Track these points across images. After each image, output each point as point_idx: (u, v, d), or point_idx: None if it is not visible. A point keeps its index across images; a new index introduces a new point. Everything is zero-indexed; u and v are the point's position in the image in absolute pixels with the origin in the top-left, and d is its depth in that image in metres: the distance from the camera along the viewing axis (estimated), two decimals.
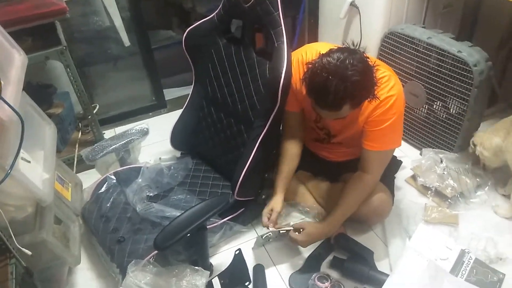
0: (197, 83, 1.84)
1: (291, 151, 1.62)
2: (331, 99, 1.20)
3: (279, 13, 1.46)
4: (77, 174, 1.94)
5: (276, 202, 1.60)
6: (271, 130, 1.54)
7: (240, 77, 1.63)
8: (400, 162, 1.80)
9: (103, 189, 1.74)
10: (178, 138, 1.93)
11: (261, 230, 1.77)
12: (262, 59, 1.56)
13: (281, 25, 1.46)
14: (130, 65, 2.57)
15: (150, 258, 1.42)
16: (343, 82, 1.17)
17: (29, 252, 1.23)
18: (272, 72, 1.49)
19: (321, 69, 1.20)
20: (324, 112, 1.30)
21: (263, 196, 1.74)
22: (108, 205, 1.67)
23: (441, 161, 1.86)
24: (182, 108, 1.93)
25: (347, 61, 1.19)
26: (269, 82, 1.51)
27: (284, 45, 1.45)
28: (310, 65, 1.26)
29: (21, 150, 1.18)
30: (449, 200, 1.78)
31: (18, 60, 1.38)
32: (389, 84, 1.38)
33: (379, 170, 1.52)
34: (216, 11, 1.66)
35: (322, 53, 1.26)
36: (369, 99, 1.29)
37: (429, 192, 1.84)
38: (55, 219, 1.51)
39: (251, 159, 1.54)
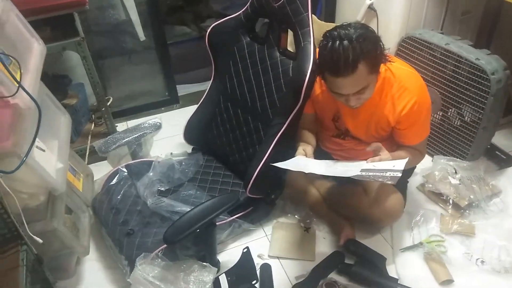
0: (216, 79, 1.84)
1: (308, 136, 1.63)
2: (343, 61, 1.23)
3: (308, 13, 1.46)
4: (89, 165, 1.96)
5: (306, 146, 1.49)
6: (289, 129, 1.54)
7: (262, 75, 1.63)
8: (414, 166, 1.78)
9: (114, 181, 1.75)
10: (192, 132, 1.93)
11: (269, 230, 1.77)
12: (286, 59, 1.57)
13: (309, 26, 1.46)
14: (144, 60, 2.58)
15: (158, 252, 1.42)
16: (348, 40, 1.23)
17: (40, 240, 1.25)
18: (297, 71, 1.49)
19: (326, 41, 1.27)
20: (344, 84, 1.30)
21: (273, 196, 1.73)
22: (118, 197, 1.67)
23: (456, 172, 1.84)
24: (194, 104, 1.94)
25: (347, 26, 1.29)
26: (293, 80, 1.51)
27: (310, 45, 1.45)
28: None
29: (37, 139, 1.19)
30: (463, 210, 1.77)
31: (37, 49, 1.40)
32: (408, 90, 1.42)
33: (422, 150, 1.61)
34: (243, 10, 1.67)
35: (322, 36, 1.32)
36: (383, 60, 1.33)
37: (443, 202, 1.82)
38: (66, 208, 1.52)
39: (267, 156, 1.54)
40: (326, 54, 1.27)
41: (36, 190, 1.33)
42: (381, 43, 1.31)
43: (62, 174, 1.40)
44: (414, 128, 1.48)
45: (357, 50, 1.23)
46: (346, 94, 1.33)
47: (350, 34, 1.24)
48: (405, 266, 1.59)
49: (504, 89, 1.78)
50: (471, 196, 1.77)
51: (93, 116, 2.34)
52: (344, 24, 1.30)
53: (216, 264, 1.52)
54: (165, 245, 1.42)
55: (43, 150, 1.35)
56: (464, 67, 1.83)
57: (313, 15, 1.50)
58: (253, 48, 1.67)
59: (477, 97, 1.82)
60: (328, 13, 2.52)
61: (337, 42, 1.24)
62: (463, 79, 1.84)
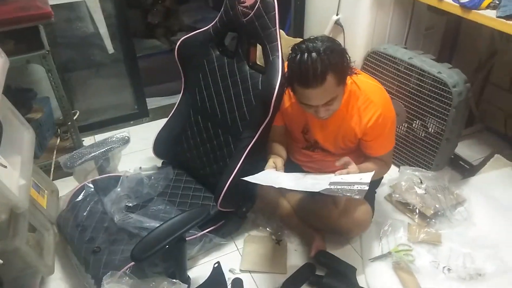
0: (186, 92, 1.84)
1: (278, 148, 1.64)
2: (312, 72, 1.26)
3: (276, 28, 1.48)
4: (54, 181, 1.90)
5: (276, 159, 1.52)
6: (259, 142, 1.54)
7: (232, 88, 1.64)
8: (381, 177, 1.82)
9: (80, 197, 1.70)
10: (162, 146, 1.91)
11: (240, 243, 1.76)
12: (255, 72, 1.58)
13: (277, 40, 1.48)
14: (113, 73, 2.54)
15: (126, 270, 1.39)
16: (316, 52, 1.26)
17: (0, 261, 1.19)
18: (266, 84, 1.51)
19: (294, 54, 1.30)
20: (313, 96, 1.32)
21: (244, 209, 1.73)
22: (84, 214, 1.63)
23: (421, 182, 1.89)
24: (164, 117, 1.92)
25: (314, 39, 1.32)
26: (262, 93, 1.53)
27: (279, 59, 1.48)
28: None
29: None
30: (429, 219, 1.81)
31: None
32: (373, 103, 1.46)
33: (388, 160, 1.64)
34: (212, 24, 1.68)
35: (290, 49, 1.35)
36: (349, 73, 1.36)
37: (410, 211, 1.86)
38: (29, 226, 1.47)
39: (238, 169, 1.54)
40: (295, 67, 1.29)
41: None
42: (348, 56, 1.35)
43: (24, 191, 1.35)
44: (379, 139, 1.52)
45: (325, 62, 1.25)
46: (315, 105, 1.36)
47: (317, 47, 1.27)
48: (375, 276, 1.61)
49: (465, 101, 1.85)
50: (437, 205, 1.82)
51: (59, 130, 2.28)
52: (311, 37, 1.33)
53: (186, 280, 1.49)
54: (133, 263, 1.39)
55: (5, 167, 1.30)
56: (427, 80, 1.89)
57: (281, 31, 1.52)
58: (222, 61, 1.68)
59: (440, 109, 1.88)
60: (297, 29, 2.57)
61: (306, 55, 1.26)
62: (426, 92, 1.91)
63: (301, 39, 1.40)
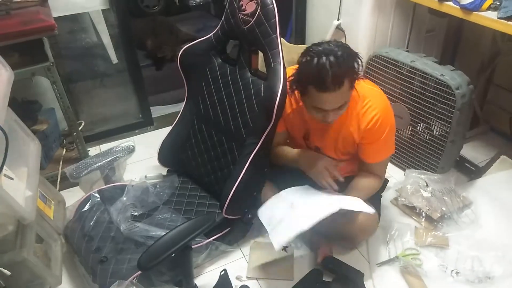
0: (189, 100, 1.85)
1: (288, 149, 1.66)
2: (331, 76, 1.25)
3: (277, 35, 1.49)
4: (61, 192, 1.91)
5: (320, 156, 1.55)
6: (263, 148, 1.55)
7: (234, 96, 1.65)
8: (387, 181, 1.81)
9: (86, 207, 1.71)
10: (166, 154, 1.92)
11: (247, 250, 1.76)
12: (257, 79, 1.59)
13: (278, 47, 1.49)
14: (117, 82, 2.56)
15: (133, 279, 1.39)
16: (334, 56, 1.25)
17: (8, 272, 1.20)
18: (268, 91, 1.52)
19: (310, 57, 1.28)
20: (329, 99, 1.31)
21: (249, 216, 1.73)
22: (91, 224, 1.64)
23: (427, 185, 1.88)
24: (169, 125, 1.93)
25: (327, 42, 1.32)
26: (264, 100, 1.53)
27: (280, 66, 1.48)
28: (297, 65, 1.35)
29: (4, 167, 1.16)
30: (436, 223, 1.80)
31: (4, 75, 1.38)
32: (372, 107, 1.46)
33: (382, 173, 1.63)
34: (213, 32, 1.69)
35: (302, 52, 1.35)
36: (356, 76, 1.35)
37: (417, 215, 1.85)
38: (37, 237, 1.48)
39: (242, 176, 1.55)
40: (312, 70, 1.27)
41: (4, 219, 1.29)
42: (360, 60, 1.34)
43: (31, 202, 1.35)
44: (376, 145, 1.51)
45: (342, 66, 1.26)
46: (327, 109, 1.35)
47: (334, 51, 1.27)
48: (382, 280, 1.60)
49: (468, 103, 1.84)
50: (443, 208, 1.81)
51: (64, 141, 2.29)
52: (322, 41, 1.33)
53: None
54: (139, 272, 1.40)
55: (12, 178, 1.31)
56: (430, 83, 1.89)
57: (281, 38, 1.53)
58: (225, 69, 1.69)
59: (443, 111, 1.88)
60: (298, 35, 2.58)
61: (324, 58, 1.25)
62: (430, 94, 1.90)
63: (300, 46, 1.40)
